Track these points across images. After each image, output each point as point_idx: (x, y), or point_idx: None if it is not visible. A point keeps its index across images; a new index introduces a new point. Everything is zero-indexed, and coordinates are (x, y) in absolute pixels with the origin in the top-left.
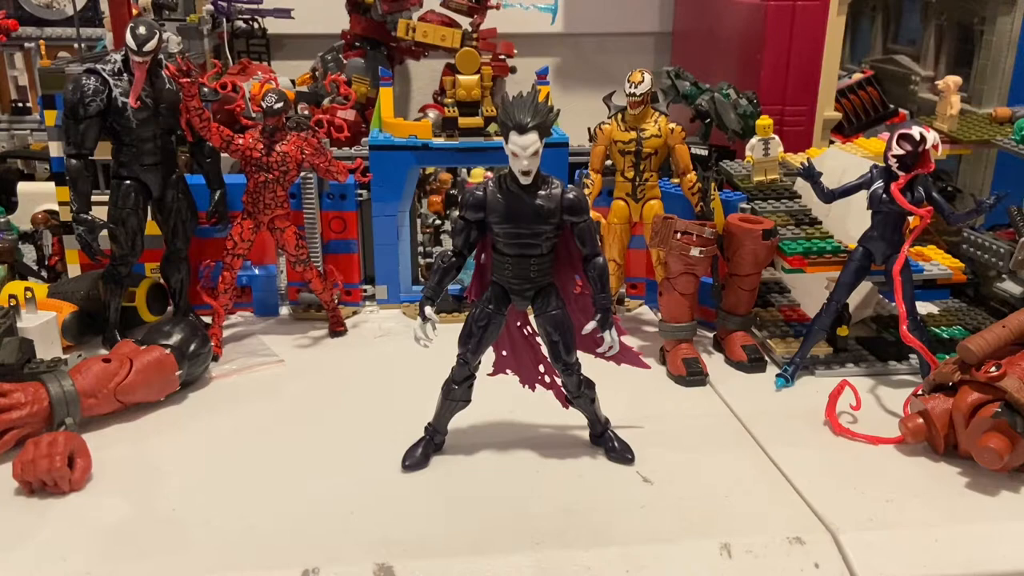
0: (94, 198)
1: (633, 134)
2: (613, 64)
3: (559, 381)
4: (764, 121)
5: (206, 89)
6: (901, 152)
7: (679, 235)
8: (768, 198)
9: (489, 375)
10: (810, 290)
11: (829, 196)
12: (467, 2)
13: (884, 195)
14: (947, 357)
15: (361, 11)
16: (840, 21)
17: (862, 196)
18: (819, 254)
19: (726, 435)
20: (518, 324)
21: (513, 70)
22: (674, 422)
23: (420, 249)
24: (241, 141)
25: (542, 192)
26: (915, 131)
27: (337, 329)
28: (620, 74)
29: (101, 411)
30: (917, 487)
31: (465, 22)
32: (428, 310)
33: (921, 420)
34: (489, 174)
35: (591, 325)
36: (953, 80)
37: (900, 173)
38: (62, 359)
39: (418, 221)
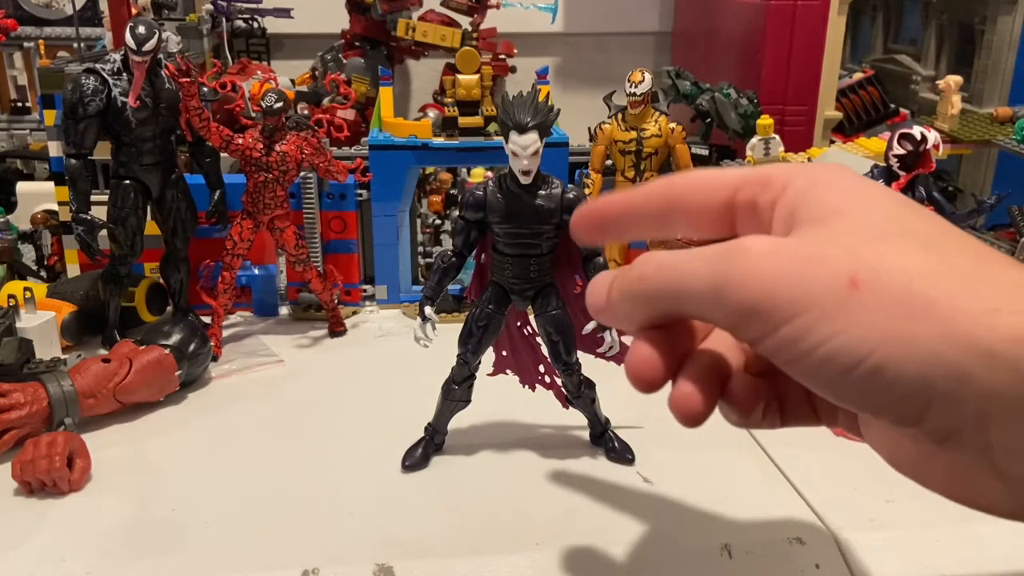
0: (94, 198)
1: (634, 134)
2: (613, 64)
3: (559, 381)
4: (765, 121)
5: (206, 89)
6: (902, 152)
7: (679, 235)
8: None
9: (489, 375)
10: None
11: None
12: (467, 2)
13: None
14: None
15: (361, 11)
16: (840, 21)
17: None
18: None
19: (726, 435)
20: (518, 324)
21: (513, 70)
22: (674, 422)
23: (420, 249)
24: (241, 141)
25: (542, 192)
26: (916, 131)
27: (337, 329)
28: (620, 74)
29: (101, 411)
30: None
31: (465, 22)
32: (428, 310)
33: None
34: (489, 174)
35: (591, 325)
36: (954, 80)
37: (901, 173)
38: (61, 359)
39: (418, 221)
